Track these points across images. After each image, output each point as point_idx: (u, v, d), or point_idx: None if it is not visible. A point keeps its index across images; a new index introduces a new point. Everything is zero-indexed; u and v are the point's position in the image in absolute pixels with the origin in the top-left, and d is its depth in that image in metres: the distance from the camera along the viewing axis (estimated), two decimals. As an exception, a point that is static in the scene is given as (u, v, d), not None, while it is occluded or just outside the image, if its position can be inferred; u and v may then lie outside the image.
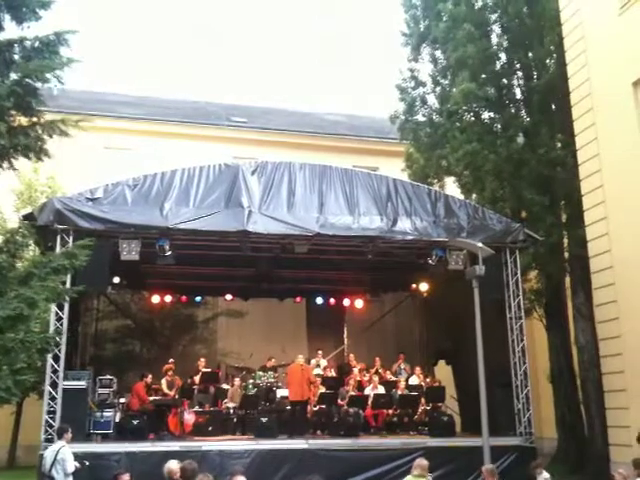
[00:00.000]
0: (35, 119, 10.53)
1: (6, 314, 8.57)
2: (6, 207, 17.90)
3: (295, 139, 23.30)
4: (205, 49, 57.50)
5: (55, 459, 9.38)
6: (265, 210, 13.12)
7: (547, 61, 17.24)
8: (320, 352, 17.00)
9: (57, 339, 11.18)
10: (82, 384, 12.51)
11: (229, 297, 19.27)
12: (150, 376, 14.68)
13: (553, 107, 17.18)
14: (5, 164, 10.48)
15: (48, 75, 10.21)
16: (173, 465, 7.74)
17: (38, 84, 10.23)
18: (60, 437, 9.85)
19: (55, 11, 10.60)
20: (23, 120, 10.48)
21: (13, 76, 10.59)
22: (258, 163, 13.68)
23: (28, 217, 12.55)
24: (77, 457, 9.94)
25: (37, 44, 10.47)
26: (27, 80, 10.04)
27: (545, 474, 10.52)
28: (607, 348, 13.79)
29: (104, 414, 12.93)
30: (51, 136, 10.57)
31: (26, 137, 10.28)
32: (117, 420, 13.23)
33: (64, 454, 9.46)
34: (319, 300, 19.63)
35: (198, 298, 19.56)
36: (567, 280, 16.98)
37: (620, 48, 13.38)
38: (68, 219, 12.36)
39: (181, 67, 55.60)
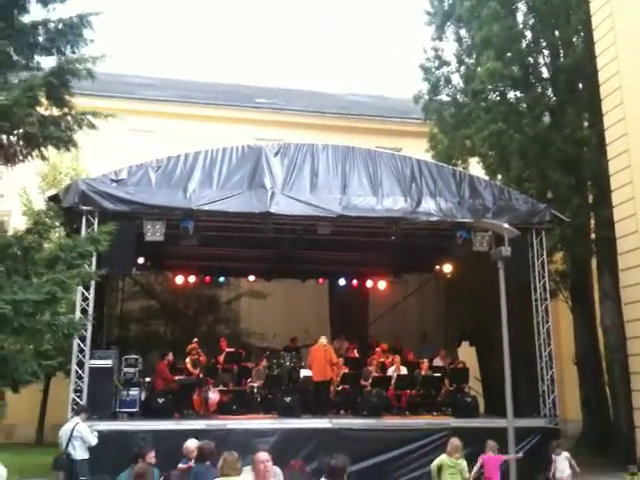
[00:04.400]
0: (66, 109, 10.61)
1: (40, 298, 8.65)
2: (31, 189, 18.09)
3: (318, 120, 23.22)
4: (229, 31, 57.35)
5: (71, 436, 9.51)
6: (288, 191, 13.08)
7: (574, 39, 16.94)
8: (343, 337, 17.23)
9: (84, 321, 11.33)
10: (108, 363, 12.65)
11: (252, 278, 19.36)
12: (171, 354, 14.81)
13: (580, 86, 16.90)
14: (35, 153, 10.60)
15: (80, 67, 10.26)
16: (191, 444, 7.91)
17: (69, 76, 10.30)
18: (77, 414, 10.01)
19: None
20: (54, 110, 10.57)
21: (37, 58, 10.69)
22: (281, 144, 13.63)
23: (53, 199, 12.65)
24: (100, 434, 10.15)
25: (61, 26, 10.52)
26: (60, 72, 10.11)
27: (565, 453, 10.51)
28: (633, 330, 13.65)
29: (130, 393, 13.08)
30: (81, 127, 10.67)
31: (57, 128, 10.38)
32: (143, 399, 13.38)
33: (80, 431, 9.59)
34: (342, 282, 19.63)
35: (221, 279, 19.68)
36: (593, 261, 16.78)
37: (650, 25, 13.09)
38: (93, 200, 12.43)
39: (205, 49, 55.57)
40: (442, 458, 9.10)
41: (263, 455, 5.65)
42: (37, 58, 10.57)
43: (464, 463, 9.08)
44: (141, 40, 56.26)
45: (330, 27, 59.38)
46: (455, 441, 9.19)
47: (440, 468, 9.02)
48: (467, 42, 18.11)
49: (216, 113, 22.66)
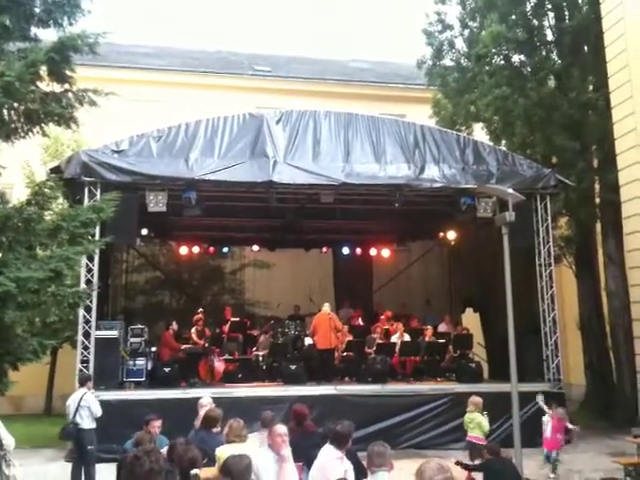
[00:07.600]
0: (67, 86, 10.50)
1: (44, 275, 8.62)
2: (33, 161, 18.00)
3: (320, 87, 22.93)
4: (227, -3, 56.44)
5: (79, 405, 9.57)
6: (290, 160, 13.01)
7: (579, 0, 16.61)
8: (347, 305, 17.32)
9: (88, 291, 11.34)
10: (114, 334, 12.75)
11: (256, 248, 19.37)
12: (174, 323, 14.88)
13: (585, 49, 16.64)
14: (36, 129, 10.52)
15: (80, 43, 10.11)
16: (204, 400, 8.07)
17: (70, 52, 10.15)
18: (82, 385, 10.05)
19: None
20: (55, 87, 10.46)
21: (34, 30, 10.52)
22: (283, 112, 13.51)
23: (55, 170, 12.60)
24: (108, 404, 10.22)
25: None
26: (62, 47, 9.96)
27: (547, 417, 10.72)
28: (637, 294, 13.65)
29: (136, 362, 13.21)
30: (82, 104, 10.57)
31: (58, 104, 10.27)
32: (149, 368, 13.50)
33: (88, 401, 9.65)
34: (346, 250, 19.62)
35: (225, 249, 19.68)
36: (598, 226, 16.72)
37: (657, -16, 12.83)
38: (95, 171, 12.40)
39: (202, 17, 54.82)
40: (464, 417, 9.71)
41: (281, 429, 5.69)
42: (34, 30, 10.41)
43: (480, 417, 9.51)
44: (137, 6, 55.50)
45: (331, -8, 58.41)
46: (471, 398, 9.80)
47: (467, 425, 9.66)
48: (471, 5, 17.76)
49: (216, 81, 22.39)
